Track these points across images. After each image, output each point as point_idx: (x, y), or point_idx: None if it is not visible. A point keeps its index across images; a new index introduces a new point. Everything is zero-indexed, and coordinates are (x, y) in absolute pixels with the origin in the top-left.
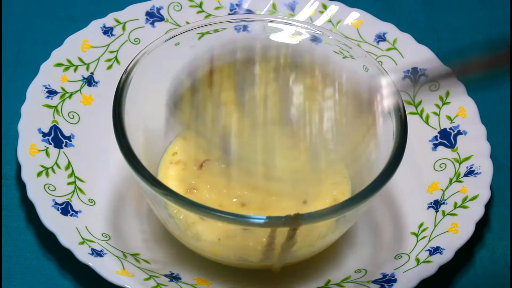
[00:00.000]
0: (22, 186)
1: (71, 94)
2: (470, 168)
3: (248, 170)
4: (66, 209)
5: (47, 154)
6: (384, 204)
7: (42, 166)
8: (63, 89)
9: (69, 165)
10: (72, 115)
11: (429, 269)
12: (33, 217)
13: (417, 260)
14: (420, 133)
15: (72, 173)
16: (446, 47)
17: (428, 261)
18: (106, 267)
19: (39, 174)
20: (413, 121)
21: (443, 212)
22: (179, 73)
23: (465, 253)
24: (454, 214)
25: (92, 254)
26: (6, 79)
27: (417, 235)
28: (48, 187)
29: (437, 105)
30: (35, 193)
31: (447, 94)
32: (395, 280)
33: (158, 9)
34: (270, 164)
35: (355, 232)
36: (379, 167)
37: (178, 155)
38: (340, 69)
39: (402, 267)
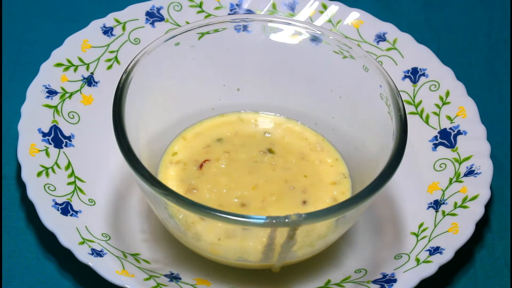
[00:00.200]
0: (22, 186)
1: (71, 94)
2: (470, 168)
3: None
4: (66, 209)
5: (47, 154)
6: (384, 204)
7: (42, 166)
8: (63, 89)
9: (69, 165)
10: (72, 115)
11: (429, 269)
12: (33, 217)
13: (417, 260)
14: (420, 133)
15: (72, 173)
16: (446, 47)
17: (428, 261)
18: (106, 267)
19: (39, 174)
20: (413, 121)
21: (443, 212)
22: None
23: (465, 253)
24: (454, 214)
25: (92, 254)
26: (6, 79)
27: (417, 235)
28: (48, 187)
29: (437, 105)
30: (35, 193)
31: (447, 94)
32: (395, 280)
33: (158, 9)
34: None
35: (355, 232)
36: (379, 167)
37: (178, 155)
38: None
39: (402, 267)
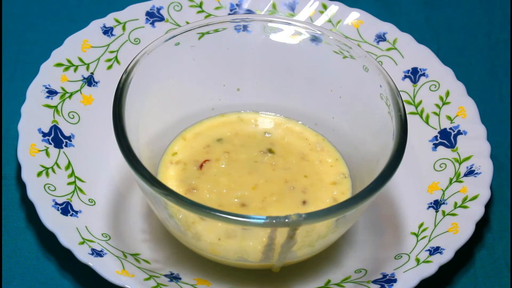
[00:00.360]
0: (22, 186)
1: (71, 94)
2: (470, 168)
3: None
4: (66, 209)
5: (47, 154)
6: (384, 204)
7: (42, 166)
8: (63, 89)
9: (69, 165)
10: (72, 115)
11: (429, 269)
12: (33, 217)
13: (417, 260)
14: (420, 133)
15: (72, 173)
16: (446, 47)
17: (428, 261)
18: (106, 267)
19: (39, 174)
20: (413, 121)
21: (443, 212)
22: None
23: (465, 253)
24: (454, 214)
25: (92, 254)
26: (6, 79)
27: (417, 235)
28: (48, 187)
29: (437, 105)
30: (35, 193)
31: (447, 94)
32: (395, 280)
33: (158, 9)
34: None
35: (355, 232)
36: (379, 167)
37: (178, 155)
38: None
39: (402, 267)
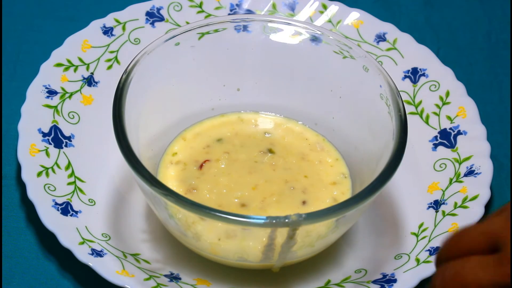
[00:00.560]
0: (22, 186)
1: (71, 94)
2: (470, 168)
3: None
4: (66, 209)
5: (47, 154)
6: (384, 204)
7: (42, 166)
8: (63, 89)
9: (69, 165)
10: (72, 115)
11: (429, 269)
12: (33, 217)
13: (417, 260)
14: (420, 133)
15: (72, 173)
16: (446, 47)
17: (428, 261)
18: (106, 267)
19: (39, 174)
20: (413, 121)
21: (443, 212)
22: None
23: None
24: (454, 214)
25: (92, 254)
26: (6, 79)
27: (417, 235)
28: (48, 187)
29: (437, 105)
30: (35, 193)
31: (447, 94)
32: (395, 280)
33: (158, 9)
34: None
35: (355, 232)
36: (379, 167)
37: (178, 155)
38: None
39: (402, 267)
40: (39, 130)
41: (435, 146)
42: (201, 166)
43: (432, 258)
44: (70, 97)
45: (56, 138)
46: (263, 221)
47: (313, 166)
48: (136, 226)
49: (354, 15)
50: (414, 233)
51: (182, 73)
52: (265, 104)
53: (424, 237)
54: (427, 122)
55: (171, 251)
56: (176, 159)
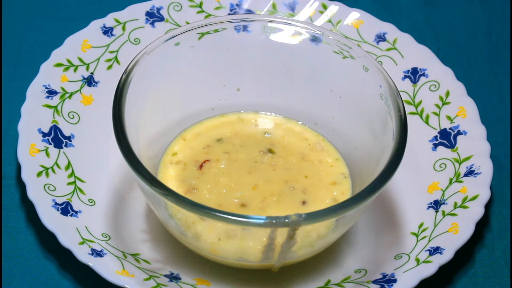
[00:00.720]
0: (22, 186)
1: (71, 94)
2: (470, 168)
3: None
4: (66, 209)
5: (47, 154)
6: (384, 204)
7: (42, 166)
8: (63, 89)
9: (69, 165)
10: (72, 115)
11: (429, 269)
12: (33, 217)
13: (417, 260)
14: (420, 133)
15: (72, 173)
16: (446, 47)
17: (428, 261)
18: (106, 267)
19: (39, 174)
20: (413, 121)
21: (443, 212)
22: None
23: (465, 253)
24: (454, 214)
25: (92, 254)
26: (6, 79)
27: (417, 235)
28: (48, 187)
29: (437, 105)
30: (35, 193)
31: (447, 94)
32: (395, 280)
33: (158, 9)
34: None
35: (355, 232)
36: (379, 167)
37: (178, 155)
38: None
39: (402, 267)
40: (39, 130)
41: (435, 146)
42: (201, 166)
43: (432, 258)
44: (70, 97)
45: (56, 138)
46: (263, 221)
47: (313, 166)
48: (136, 226)
49: (354, 15)
50: (414, 233)
51: (182, 73)
52: (265, 104)
53: (424, 237)
54: (427, 122)
55: (171, 251)
56: (176, 159)
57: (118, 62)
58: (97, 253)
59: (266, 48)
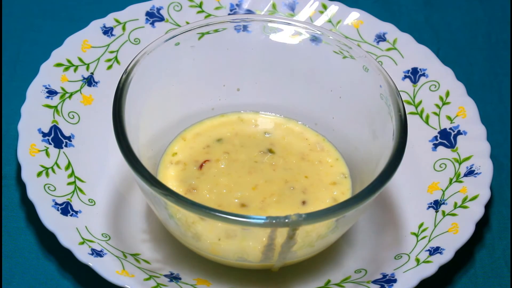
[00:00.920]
0: (22, 186)
1: (71, 94)
2: (470, 168)
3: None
4: (66, 209)
5: (47, 154)
6: (384, 204)
7: (42, 166)
8: (63, 89)
9: (69, 165)
10: (72, 115)
11: (429, 269)
12: (33, 217)
13: (417, 260)
14: (420, 133)
15: (72, 173)
16: (446, 47)
17: (428, 261)
18: (106, 267)
19: (39, 174)
20: (413, 121)
21: (443, 212)
22: None
23: (465, 253)
24: (454, 214)
25: (92, 254)
26: (6, 79)
27: (417, 235)
28: (48, 187)
29: (437, 105)
30: (35, 193)
31: (447, 94)
32: (395, 280)
33: (158, 9)
34: None
35: (355, 232)
36: (379, 167)
37: (178, 156)
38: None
39: (402, 267)
40: (39, 130)
41: (435, 146)
42: (201, 166)
43: (432, 258)
44: (70, 97)
45: (56, 138)
46: (263, 221)
47: (313, 166)
48: (136, 226)
49: (354, 15)
50: (414, 233)
51: (182, 73)
52: (265, 104)
53: (424, 237)
54: (427, 122)
55: (171, 251)
56: (176, 159)
57: (118, 62)
58: (97, 253)
59: (266, 48)
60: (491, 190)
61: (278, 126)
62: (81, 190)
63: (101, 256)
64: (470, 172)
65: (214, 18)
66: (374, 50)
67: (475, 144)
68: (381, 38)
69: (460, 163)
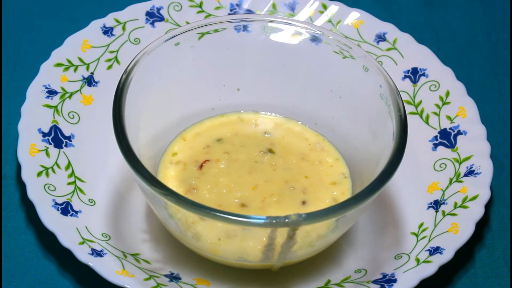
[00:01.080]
0: (22, 186)
1: (71, 94)
2: (470, 168)
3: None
4: (66, 209)
5: (47, 154)
6: (384, 204)
7: (42, 166)
8: (63, 89)
9: (69, 165)
10: (72, 115)
11: (429, 269)
12: (33, 217)
13: (417, 260)
14: (420, 133)
15: (72, 173)
16: (446, 47)
17: (428, 261)
18: (106, 267)
19: (39, 174)
20: (413, 121)
21: (443, 212)
22: None
23: (465, 253)
24: (454, 214)
25: (92, 254)
26: (6, 79)
27: (417, 235)
28: (48, 187)
29: (437, 105)
30: (35, 193)
31: (447, 94)
32: (395, 280)
33: (158, 9)
34: None
35: (355, 232)
36: (379, 167)
37: (178, 155)
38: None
39: (402, 267)
40: (39, 130)
41: (435, 146)
42: (201, 166)
43: (432, 258)
44: (70, 97)
45: (56, 138)
46: (263, 221)
47: (313, 166)
48: (136, 226)
49: (354, 15)
50: (414, 233)
51: (182, 73)
52: (265, 104)
53: (424, 237)
54: (427, 122)
55: (171, 251)
56: (176, 159)
57: (118, 62)
58: (97, 253)
59: (266, 48)
60: (491, 190)
61: (278, 126)
62: (81, 190)
63: (101, 256)
64: (470, 172)
65: (214, 18)
66: (374, 50)
67: (475, 144)
68: (381, 38)
69: (460, 163)
